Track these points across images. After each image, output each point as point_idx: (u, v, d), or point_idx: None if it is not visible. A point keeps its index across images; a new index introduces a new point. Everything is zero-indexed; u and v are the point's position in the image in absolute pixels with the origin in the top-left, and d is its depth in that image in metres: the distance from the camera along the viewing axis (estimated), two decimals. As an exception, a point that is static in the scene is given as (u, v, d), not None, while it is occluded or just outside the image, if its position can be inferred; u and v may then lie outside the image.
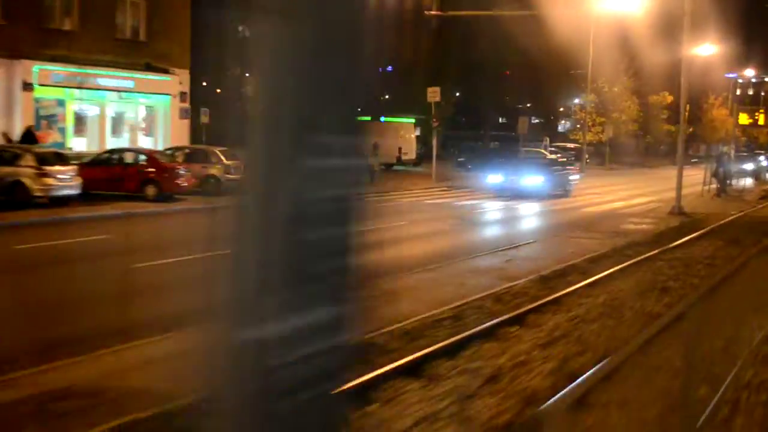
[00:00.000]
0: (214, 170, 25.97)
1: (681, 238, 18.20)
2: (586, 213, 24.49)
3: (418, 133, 52.91)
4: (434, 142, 37.45)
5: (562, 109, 62.76)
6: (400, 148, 45.09)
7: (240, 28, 2.08)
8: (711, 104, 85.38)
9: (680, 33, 52.59)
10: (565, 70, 58.30)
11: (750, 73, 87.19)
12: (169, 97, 35.00)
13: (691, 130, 78.42)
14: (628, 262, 14.20)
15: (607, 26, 52.19)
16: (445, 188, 33.76)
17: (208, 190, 25.40)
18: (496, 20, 50.47)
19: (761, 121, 34.91)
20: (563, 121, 72.62)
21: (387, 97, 55.37)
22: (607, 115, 60.79)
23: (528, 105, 66.67)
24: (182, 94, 35.71)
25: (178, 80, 35.30)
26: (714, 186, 32.33)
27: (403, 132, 46.01)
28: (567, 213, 24.63)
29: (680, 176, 24.53)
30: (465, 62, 56.74)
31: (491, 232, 21.31)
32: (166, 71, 34.59)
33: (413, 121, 48.72)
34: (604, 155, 59.18)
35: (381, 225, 1.82)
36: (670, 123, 69.86)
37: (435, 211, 24.46)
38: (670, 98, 67.61)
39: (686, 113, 25.90)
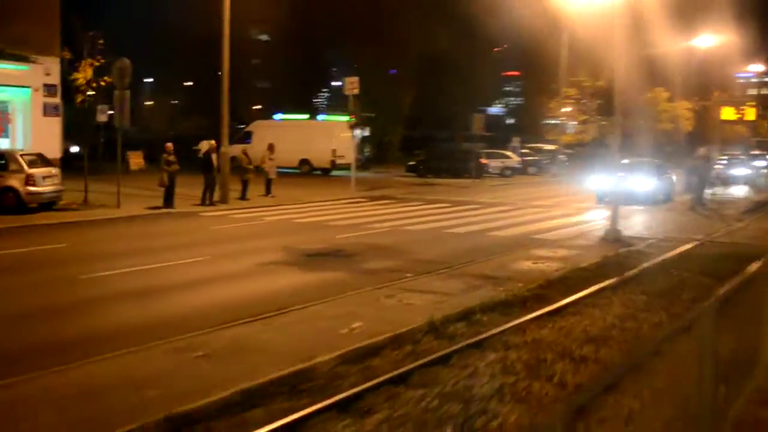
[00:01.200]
0: (12, 181, 19.81)
1: (584, 289, 11.79)
2: (495, 238, 18.06)
3: (367, 133, 46.52)
4: (354, 142, 30.94)
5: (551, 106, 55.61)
6: (334, 151, 38.72)
7: None
8: (716, 102, 78.57)
9: (674, 21, 46.25)
10: (542, 64, 51.69)
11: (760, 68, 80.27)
12: (29, 90, 28.83)
13: (688, 129, 71.70)
14: (419, 363, 7.79)
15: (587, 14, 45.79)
16: (355, 200, 27.35)
17: (4, 205, 19.34)
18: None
19: (750, 115, 28.40)
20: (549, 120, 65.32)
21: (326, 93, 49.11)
22: (591, 113, 54.00)
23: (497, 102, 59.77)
24: (48, 87, 29.46)
25: (42, 70, 29.10)
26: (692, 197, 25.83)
27: (338, 132, 39.64)
28: (472, 238, 18.22)
29: (618, 188, 18.16)
30: (428, 55, 50.39)
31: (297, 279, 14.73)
32: (24, 59, 28.42)
33: (340, 119, 42.38)
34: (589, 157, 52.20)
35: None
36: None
37: (284, 234, 18.18)
38: (666, 94, 60.74)
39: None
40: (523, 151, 49.13)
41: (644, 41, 49.34)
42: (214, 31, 27.47)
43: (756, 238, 18.06)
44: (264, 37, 67.56)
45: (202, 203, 23.85)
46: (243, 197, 25.70)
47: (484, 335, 8.89)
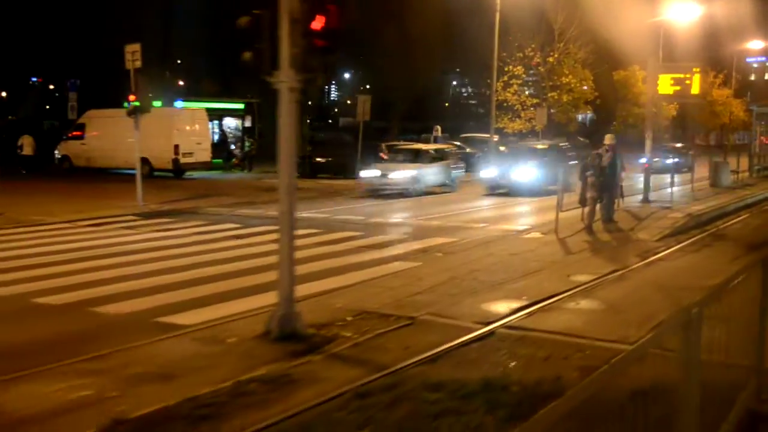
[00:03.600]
0: None
1: None
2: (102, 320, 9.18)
3: (248, 123, 37.74)
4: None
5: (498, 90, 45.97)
6: (176, 147, 29.91)
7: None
8: (710, 83, 68.92)
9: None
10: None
11: (757, 45, 70.59)
12: None
13: (674, 115, 62.35)
14: None
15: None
16: (114, 220, 18.48)
17: None
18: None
19: (694, 88, 19.88)
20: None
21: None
22: (543, 95, 44.95)
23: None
24: None
25: None
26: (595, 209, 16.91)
27: (185, 122, 30.84)
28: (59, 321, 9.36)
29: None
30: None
31: None
32: None
33: (203, 105, 33.46)
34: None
35: None
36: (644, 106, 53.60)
37: None
38: (642, 73, 51.39)
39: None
40: (455, 143, 40.06)
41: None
42: None
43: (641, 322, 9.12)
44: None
45: None
46: None
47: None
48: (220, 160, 35.18)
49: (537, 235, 16.08)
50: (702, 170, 27.86)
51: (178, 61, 72.66)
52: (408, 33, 43.19)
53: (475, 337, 8.29)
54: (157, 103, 33.85)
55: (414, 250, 14.46)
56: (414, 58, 44.66)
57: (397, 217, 19.60)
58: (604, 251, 14.20)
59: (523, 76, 43.06)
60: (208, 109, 34.95)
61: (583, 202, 16.58)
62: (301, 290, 9.27)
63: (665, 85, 20.35)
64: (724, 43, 66.33)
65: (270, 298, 8.83)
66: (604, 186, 16.30)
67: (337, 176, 31.21)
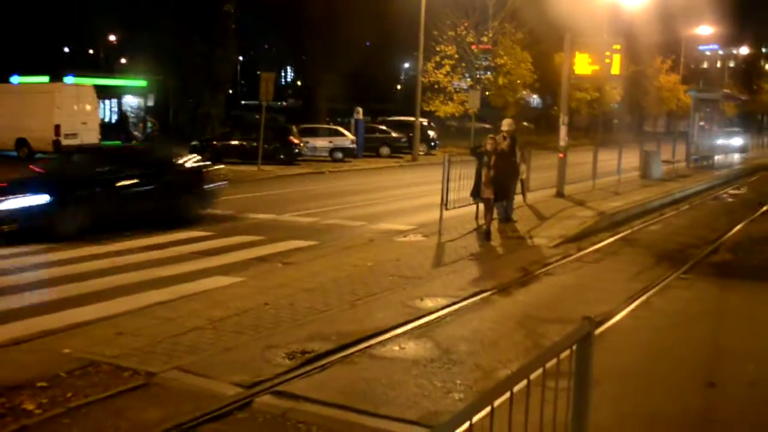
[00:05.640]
0: None
1: None
2: None
3: (150, 102, 34.58)
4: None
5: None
6: (57, 127, 26.69)
7: None
8: (657, 69, 67.24)
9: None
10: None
11: (706, 30, 69.03)
12: None
13: (616, 99, 60.45)
14: None
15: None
16: None
17: None
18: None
19: (614, 68, 17.65)
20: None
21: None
22: (476, 77, 42.43)
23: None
24: None
25: None
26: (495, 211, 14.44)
27: (70, 99, 27.60)
28: None
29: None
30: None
31: None
32: None
33: (96, 82, 30.19)
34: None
35: None
36: (587, 91, 51.66)
37: None
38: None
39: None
40: (381, 126, 37.39)
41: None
42: None
43: None
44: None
45: None
46: None
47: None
48: (118, 142, 31.99)
49: (417, 237, 13.51)
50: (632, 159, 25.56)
51: (111, 38, 68.76)
52: (334, 9, 40.34)
53: (214, 413, 5.62)
54: (41, 78, 30.64)
55: (252, 258, 11.79)
56: (338, 37, 41.79)
57: (270, 212, 16.84)
58: (482, 262, 11.65)
59: (456, 56, 40.38)
60: (104, 86, 31.75)
61: (475, 195, 14.05)
62: (49, 321, 6.59)
63: (583, 64, 17.88)
64: (675, 27, 64.51)
65: None
66: (501, 180, 13.68)
67: (245, 162, 28.40)
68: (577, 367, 3.59)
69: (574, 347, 3.52)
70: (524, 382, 3.21)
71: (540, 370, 3.29)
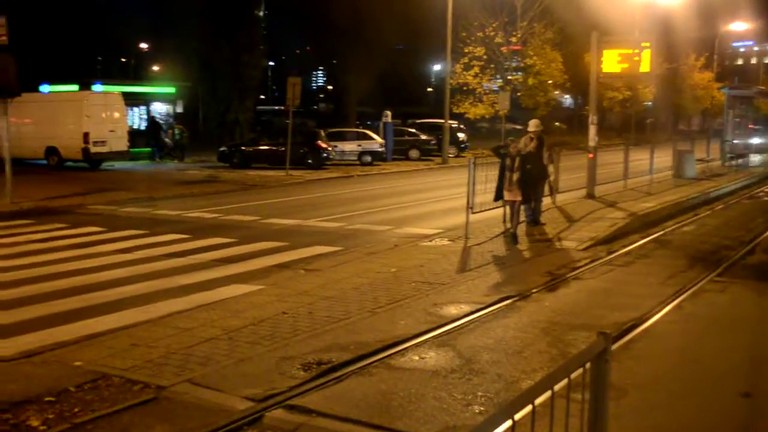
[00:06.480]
0: None
1: None
2: None
3: (179, 109, 34.75)
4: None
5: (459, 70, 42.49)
6: (86, 135, 26.88)
7: None
8: (692, 66, 66.13)
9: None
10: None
11: (741, 26, 67.57)
12: None
13: (649, 98, 59.59)
14: None
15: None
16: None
17: None
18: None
19: (644, 66, 17.18)
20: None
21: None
22: (506, 78, 42.01)
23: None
24: None
25: None
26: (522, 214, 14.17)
27: (98, 108, 27.78)
28: None
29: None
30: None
31: None
32: None
33: (123, 89, 30.37)
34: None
35: None
36: (619, 90, 50.94)
37: None
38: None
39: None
40: (410, 129, 37.16)
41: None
42: None
43: None
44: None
45: None
46: None
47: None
48: (148, 149, 32.23)
49: (442, 242, 13.26)
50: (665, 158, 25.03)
51: (142, 45, 69.44)
52: (363, 12, 40.24)
53: (222, 429, 5.42)
54: (71, 87, 30.95)
55: (274, 264, 11.62)
56: (368, 40, 41.66)
57: (296, 218, 16.70)
58: (508, 266, 11.35)
59: (485, 57, 39.99)
60: (133, 93, 31.95)
61: (498, 198, 13.76)
62: (64, 332, 6.49)
63: (611, 62, 17.47)
64: (709, 24, 63.36)
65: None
66: (528, 182, 13.37)
67: (273, 167, 28.36)
68: (592, 385, 3.33)
69: (588, 365, 3.25)
70: (548, 394, 2.99)
71: (565, 381, 3.07)
